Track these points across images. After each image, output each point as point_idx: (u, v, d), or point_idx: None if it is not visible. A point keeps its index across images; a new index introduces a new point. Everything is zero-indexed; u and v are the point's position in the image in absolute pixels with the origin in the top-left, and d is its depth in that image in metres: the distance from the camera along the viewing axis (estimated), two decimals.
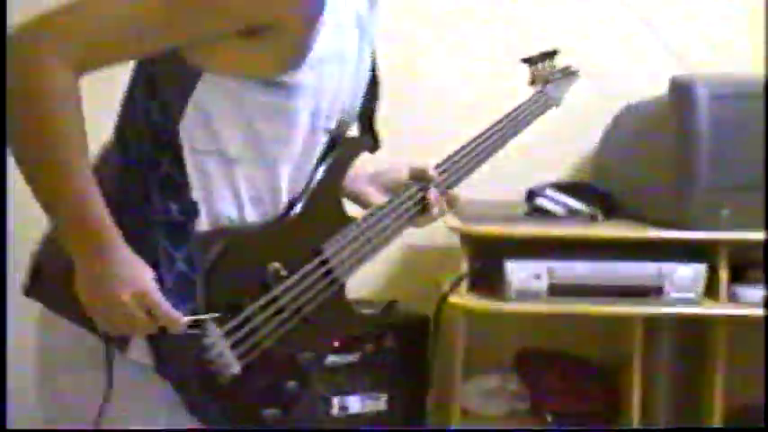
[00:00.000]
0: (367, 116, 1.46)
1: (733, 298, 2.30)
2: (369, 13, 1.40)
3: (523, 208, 2.49)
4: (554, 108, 1.82)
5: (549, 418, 2.39)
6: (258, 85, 1.22)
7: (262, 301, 1.25)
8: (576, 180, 2.70)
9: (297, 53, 1.23)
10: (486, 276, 2.39)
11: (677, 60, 2.59)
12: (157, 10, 1.19)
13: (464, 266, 2.35)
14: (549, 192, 2.47)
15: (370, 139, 1.45)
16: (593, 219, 2.41)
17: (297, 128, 1.27)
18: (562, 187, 2.52)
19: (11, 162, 1.20)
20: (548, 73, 1.86)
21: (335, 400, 2.32)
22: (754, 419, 2.39)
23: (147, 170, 1.21)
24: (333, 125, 1.34)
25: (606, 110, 2.67)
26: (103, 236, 1.17)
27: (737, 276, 2.33)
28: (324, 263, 1.31)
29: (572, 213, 2.41)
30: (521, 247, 2.34)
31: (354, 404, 2.34)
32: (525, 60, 1.87)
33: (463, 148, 1.58)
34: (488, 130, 1.64)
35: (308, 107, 1.28)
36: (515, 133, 1.69)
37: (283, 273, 1.26)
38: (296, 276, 1.27)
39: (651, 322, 2.45)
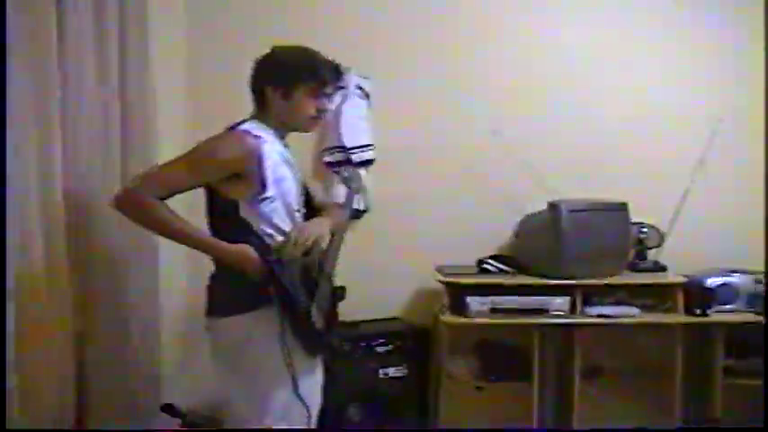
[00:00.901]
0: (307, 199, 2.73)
1: (585, 314, 3.86)
2: (292, 157, 2.60)
3: (475, 269, 3.99)
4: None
5: (492, 377, 3.99)
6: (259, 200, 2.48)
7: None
8: (502, 254, 4.11)
9: (261, 182, 2.46)
10: (458, 305, 3.87)
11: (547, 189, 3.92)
12: (185, 172, 2.41)
13: (446, 300, 3.89)
14: (488, 260, 3.99)
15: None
16: (512, 274, 3.94)
17: (286, 211, 2.54)
18: (495, 257, 4.02)
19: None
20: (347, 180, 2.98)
21: (381, 370, 3.93)
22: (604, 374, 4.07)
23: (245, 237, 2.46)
24: (301, 205, 2.65)
25: (515, 216, 4.08)
26: (205, 242, 2.46)
27: (586, 302, 3.88)
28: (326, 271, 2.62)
29: (501, 271, 3.95)
30: (475, 289, 3.85)
31: (391, 371, 3.92)
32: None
33: None
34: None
35: (284, 201, 2.53)
36: None
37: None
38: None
39: (542, 327, 3.93)
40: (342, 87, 3.91)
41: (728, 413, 4.05)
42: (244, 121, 2.59)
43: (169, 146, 3.64)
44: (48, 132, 2.80)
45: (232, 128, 2.57)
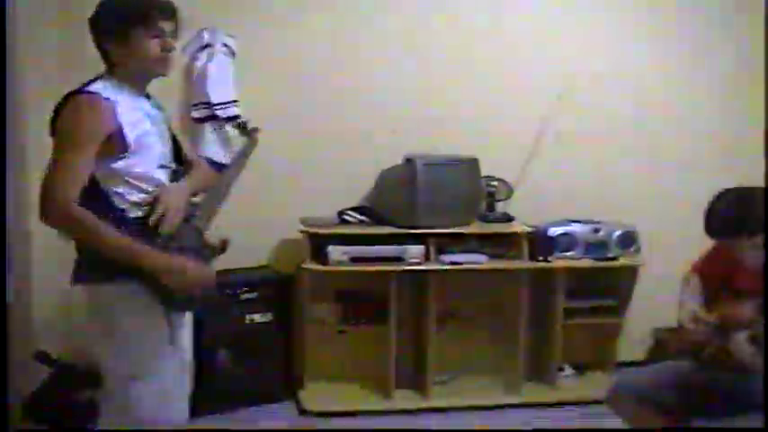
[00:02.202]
0: (178, 154, 2.65)
1: (438, 261, 4.11)
2: (155, 110, 2.56)
3: (336, 220, 4.19)
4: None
5: (352, 321, 4.23)
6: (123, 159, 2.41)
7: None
8: (362, 205, 4.33)
9: (122, 142, 2.40)
10: (319, 254, 4.04)
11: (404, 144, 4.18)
12: (78, 157, 2.33)
13: (307, 249, 4.08)
14: (348, 211, 4.20)
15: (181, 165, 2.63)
16: (369, 224, 4.15)
17: (155, 166, 2.49)
18: (354, 209, 4.23)
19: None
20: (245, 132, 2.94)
21: (247, 316, 4.10)
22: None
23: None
24: (169, 161, 2.56)
25: (377, 169, 4.31)
26: (135, 251, 2.37)
27: (440, 251, 4.12)
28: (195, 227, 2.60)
29: (360, 222, 4.16)
30: (335, 238, 4.04)
31: (256, 317, 4.11)
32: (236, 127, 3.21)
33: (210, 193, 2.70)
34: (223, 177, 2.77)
35: (153, 159, 2.49)
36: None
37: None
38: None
39: (398, 275, 4.12)
40: (208, 45, 4.03)
41: (569, 349, 4.44)
42: (93, 82, 2.51)
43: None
44: None
45: (81, 91, 2.46)
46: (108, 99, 2.42)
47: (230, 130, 4.02)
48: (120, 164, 2.44)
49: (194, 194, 2.70)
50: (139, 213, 2.49)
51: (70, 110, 2.43)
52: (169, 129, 2.69)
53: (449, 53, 4.45)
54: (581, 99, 4.46)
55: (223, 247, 2.75)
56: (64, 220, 2.37)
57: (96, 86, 2.46)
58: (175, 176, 2.62)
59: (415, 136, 4.30)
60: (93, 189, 2.42)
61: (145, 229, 2.47)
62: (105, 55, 2.56)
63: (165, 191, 2.53)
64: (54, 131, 2.47)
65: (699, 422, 3.01)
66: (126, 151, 2.43)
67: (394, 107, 4.36)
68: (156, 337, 2.54)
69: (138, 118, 2.50)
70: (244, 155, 2.91)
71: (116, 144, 2.42)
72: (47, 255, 3.72)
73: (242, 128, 3.04)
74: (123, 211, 2.46)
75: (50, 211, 2.36)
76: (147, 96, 2.66)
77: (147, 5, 2.50)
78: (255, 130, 2.97)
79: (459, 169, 4.20)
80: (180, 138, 2.78)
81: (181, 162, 2.70)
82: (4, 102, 2.46)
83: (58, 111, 2.46)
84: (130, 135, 2.43)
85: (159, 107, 2.69)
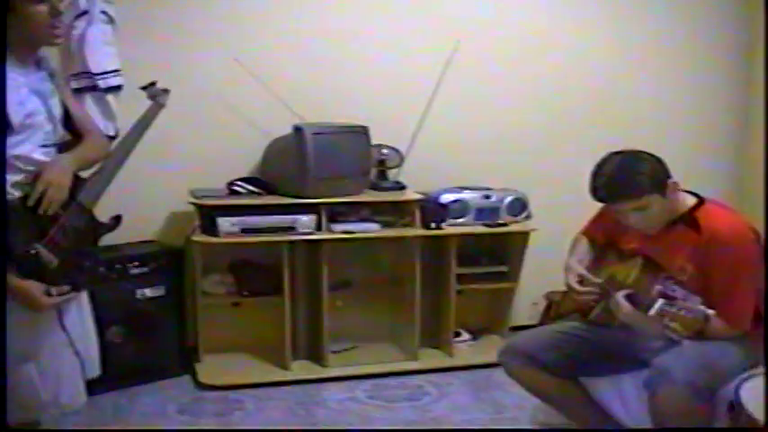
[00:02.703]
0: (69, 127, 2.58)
1: (330, 230, 4.11)
2: (45, 83, 2.48)
3: (225, 191, 4.15)
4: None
5: (246, 293, 4.22)
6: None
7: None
8: (252, 176, 4.27)
9: (7, 123, 2.31)
10: (209, 226, 4.01)
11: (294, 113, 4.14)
12: None
13: (197, 221, 4.03)
14: (238, 182, 4.14)
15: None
16: (260, 195, 4.11)
17: (37, 146, 2.43)
18: (244, 179, 4.17)
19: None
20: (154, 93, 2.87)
21: (138, 291, 4.04)
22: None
23: None
24: (55, 139, 2.51)
25: (268, 139, 4.25)
26: None
27: (332, 220, 4.12)
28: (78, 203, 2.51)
29: (250, 192, 4.11)
30: (226, 210, 3.99)
31: (147, 292, 4.06)
32: (143, 88, 2.89)
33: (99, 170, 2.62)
34: (119, 146, 2.72)
35: (36, 139, 2.44)
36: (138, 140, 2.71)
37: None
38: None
39: (291, 245, 4.10)
40: (85, 12, 3.90)
41: (464, 314, 4.53)
42: None
43: None
44: None
45: None
46: None
47: (112, 100, 3.92)
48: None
49: (83, 167, 2.64)
50: (21, 193, 2.43)
51: None
52: (61, 97, 2.61)
53: (338, 20, 4.43)
54: (473, 66, 4.53)
55: (114, 224, 2.72)
56: None
57: None
58: (64, 149, 2.57)
59: (305, 105, 4.25)
60: None
61: (26, 209, 2.43)
62: None
63: (46, 169, 2.46)
64: None
65: (585, 381, 3.12)
66: (8, 133, 2.37)
67: (283, 76, 4.31)
68: (42, 318, 2.51)
69: (24, 95, 2.43)
70: (146, 121, 2.84)
71: None
72: None
73: (148, 89, 2.94)
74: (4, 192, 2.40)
75: None
76: (39, 63, 2.57)
77: None
78: (166, 91, 2.93)
79: (349, 137, 4.20)
80: (73, 104, 2.72)
81: (74, 133, 2.65)
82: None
83: None
84: (14, 117, 2.37)
85: (52, 74, 2.61)
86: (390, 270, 4.52)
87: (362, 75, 4.47)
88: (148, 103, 2.91)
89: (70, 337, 2.62)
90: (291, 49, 4.38)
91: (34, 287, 2.42)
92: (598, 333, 3.02)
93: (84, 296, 2.74)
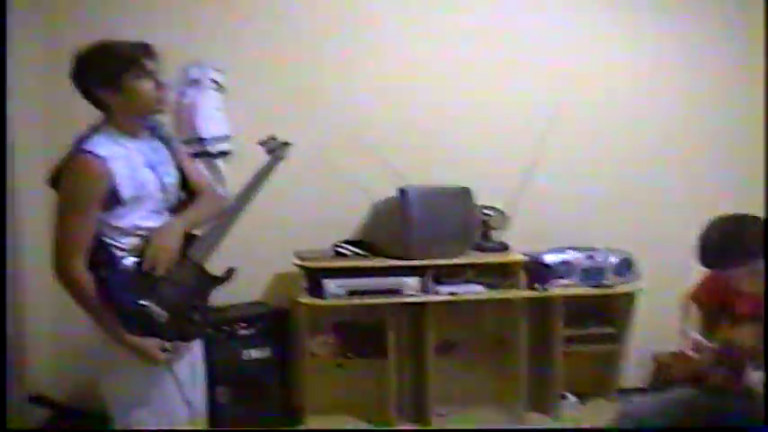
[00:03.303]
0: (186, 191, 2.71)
1: (435, 292, 4.08)
2: (158, 152, 2.61)
3: (331, 253, 4.19)
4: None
5: (350, 354, 4.22)
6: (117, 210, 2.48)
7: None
8: (356, 238, 4.34)
9: (115, 199, 2.46)
10: (315, 288, 4.05)
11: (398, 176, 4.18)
12: (78, 219, 2.42)
13: (303, 282, 4.08)
14: (343, 244, 4.19)
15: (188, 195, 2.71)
16: (365, 257, 4.13)
17: (148, 214, 2.55)
18: (349, 241, 4.23)
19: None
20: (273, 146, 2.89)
21: (245, 352, 4.09)
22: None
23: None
24: (166, 204, 2.63)
25: (368, 203, 4.33)
26: (111, 330, 2.47)
27: (437, 281, 4.11)
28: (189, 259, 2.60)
29: (355, 254, 4.15)
30: (331, 272, 4.04)
31: (254, 353, 4.09)
32: (261, 143, 2.89)
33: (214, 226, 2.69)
34: (234, 202, 2.75)
35: (146, 207, 2.55)
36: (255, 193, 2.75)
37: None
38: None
39: (396, 306, 4.12)
40: (196, 81, 4.04)
41: (570, 377, 4.39)
42: (91, 133, 2.56)
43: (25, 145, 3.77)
44: None
45: (79, 148, 2.51)
46: (105, 159, 2.46)
47: (221, 165, 4.03)
48: (114, 216, 2.51)
49: (193, 228, 2.71)
50: (134, 258, 2.54)
51: (70, 172, 2.48)
52: (176, 161, 2.72)
53: (439, 84, 4.47)
54: (574, 125, 4.49)
55: (227, 276, 2.76)
56: (65, 285, 2.48)
57: (93, 143, 2.49)
58: (177, 210, 2.69)
59: (409, 167, 4.28)
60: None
61: (141, 272, 2.53)
62: (97, 103, 2.58)
63: (156, 234, 2.57)
64: (55, 185, 2.54)
65: None
66: (120, 205, 2.50)
67: (386, 138, 4.36)
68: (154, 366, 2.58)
69: (135, 168, 2.54)
70: (262, 175, 2.86)
71: (111, 200, 2.49)
72: (41, 298, 3.73)
73: (266, 144, 2.95)
74: (118, 256, 2.53)
75: (56, 272, 2.48)
76: (153, 130, 2.69)
77: (130, 49, 2.54)
78: (286, 144, 2.95)
79: (453, 199, 4.20)
80: (188, 165, 2.81)
81: (189, 191, 2.75)
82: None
83: (60, 167, 2.52)
84: (125, 191, 2.49)
85: (166, 139, 2.72)
86: (495, 332, 4.47)
87: (465, 136, 4.49)
88: (252, 169, 2.92)
89: (180, 385, 2.66)
90: (395, 113, 4.43)
91: (151, 344, 2.52)
92: (715, 401, 2.92)
93: (197, 347, 2.82)
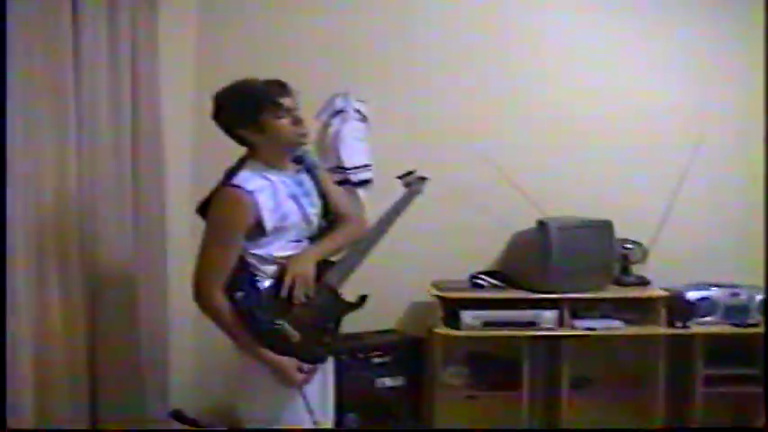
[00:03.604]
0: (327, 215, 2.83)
1: (572, 326, 4.05)
2: (303, 183, 2.73)
3: (468, 284, 4.16)
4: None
5: (483, 386, 4.16)
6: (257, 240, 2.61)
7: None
8: (493, 269, 4.32)
9: (260, 230, 2.59)
10: (451, 318, 4.06)
11: (536, 207, 4.18)
12: (222, 251, 2.57)
13: (440, 313, 4.08)
14: (480, 275, 4.17)
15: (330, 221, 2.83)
16: (502, 288, 4.13)
17: (288, 242, 2.67)
18: (486, 273, 4.20)
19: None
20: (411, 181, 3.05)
21: (378, 380, 4.11)
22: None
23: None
24: (307, 233, 2.74)
25: (506, 234, 4.35)
26: (252, 348, 2.60)
27: (574, 315, 4.07)
28: (326, 284, 2.71)
29: (492, 285, 4.12)
30: (468, 303, 4.04)
31: (387, 381, 4.10)
32: (400, 177, 3.06)
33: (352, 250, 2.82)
34: (370, 232, 2.86)
35: (288, 237, 2.66)
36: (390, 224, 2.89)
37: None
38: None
39: (531, 339, 4.09)
40: (341, 111, 4.10)
41: (709, 420, 4.23)
42: (239, 167, 2.69)
43: (176, 171, 3.92)
44: (63, 155, 3.07)
45: (227, 181, 2.65)
46: (251, 192, 2.59)
47: (362, 193, 4.06)
48: (256, 245, 2.65)
49: (330, 256, 2.81)
50: (271, 282, 2.66)
51: (219, 203, 2.63)
52: (319, 186, 2.83)
53: (580, 115, 4.42)
54: (716, 157, 4.38)
55: (360, 303, 2.84)
56: (205, 310, 2.63)
57: (240, 177, 2.63)
58: (317, 237, 2.80)
59: (547, 198, 4.25)
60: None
61: (278, 297, 2.64)
62: (241, 140, 2.72)
63: (292, 262, 2.67)
64: (203, 214, 2.69)
65: None
66: (263, 236, 2.63)
67: (526, 169, 4.33)
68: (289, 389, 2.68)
69: (279, 200, 2.65)
70: (399, 208, 2.99)
71: (255, 231, 2.63)
72: (183, 316, 3.83)
73: (404, 178, 3.09)
74: (257, 280, 2.66)
75: (196, 298, 2.64)
76: (299, 160, 2.80)
77: (265, 90, 2.67)
78: (423, 179, 3.08)
79: (592, 232, 4.14)
80: (332, 192, 2.91)
81: (330, 218, 2.86)
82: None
83: (209, 198, 2.69)
84: (269, 223, 2.61)
85: (311, 167, 2.84)
86: (632, 369, 4.36)
87: (604, 168, 4.42)
88: (391, 197, 3.02)
89: (310, 406, 2.72)
90: (535, 144, 4.40)
91: (287, 362, 2.63)
92: None
93: (329, 374, 2.90)
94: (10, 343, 2.81)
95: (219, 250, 2.60)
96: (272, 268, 2.68)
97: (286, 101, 2.69)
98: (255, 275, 2.66)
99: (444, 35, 4.41)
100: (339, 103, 4.13)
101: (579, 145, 4.42)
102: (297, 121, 2.70)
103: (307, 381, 2.68)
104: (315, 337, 2.72)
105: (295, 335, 2.63)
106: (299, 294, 2.65)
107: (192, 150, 4.27)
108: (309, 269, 2.70)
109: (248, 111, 2.64)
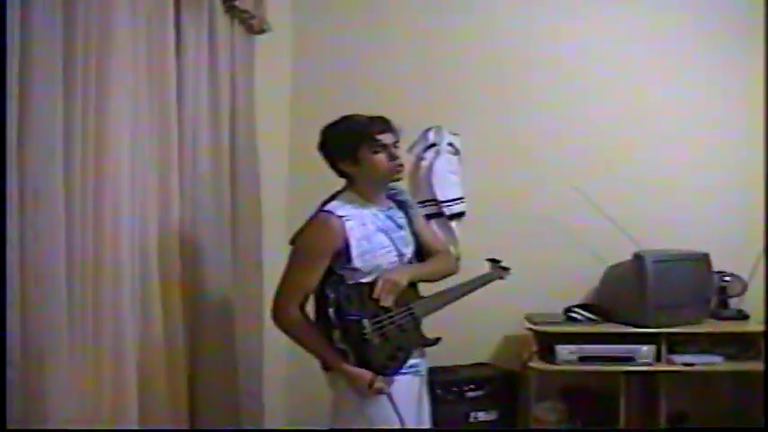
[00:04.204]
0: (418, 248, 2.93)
1: (670, 362, 3.96)
2: (395, 218, 2.83)
3: (563, 317, 4.15)
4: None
5: (579, 422, 4.09)
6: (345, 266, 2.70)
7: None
8: (588, 302, 4.27)
9: (347, 256, 2.69)
10: (546, 352, 4.03)
11: (632, 239, 4.14)
12: (304, 272, 2.70)
13: (535, 347, 4.05)
14: (574, 308, 4.14)
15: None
16: (597, 322, 4.09)
17: (372, 274, 2.73)
18: (581, 306, 4.16)
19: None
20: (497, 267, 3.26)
21: (472, 414, 4.11)
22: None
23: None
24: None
25: (600, 267, 4.27)
26: (329, 358, 2.72)
27: (670, 350, 3.98)
28: (410, 308, 2.79)
29: (587, 319, 4.09)
30: (563, 337, 4.00)
31: (481, 416, 4.10)
32: (489, 260, 3.30)
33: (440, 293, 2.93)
34: (458, 287, 3.00)
35: (369, 267, 2.72)
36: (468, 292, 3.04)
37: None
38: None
39: (628, 374, 4.01)
40: (434, 145, 4.14)
41: None
42: (333, 197, 2.83)
43: (272, 192, 4.02)
44: (167, 185, 3.13)
45: (321, 208, 2.79)
46: (340, 217, 2.70)
47: (455, 226, 4.09)
48: (341, 271, 2.73)
49: (422, 279, 2.91)
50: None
51: (308, 226, 2.77)
52: (413, 225, 2.92)
53: (676, 148, 4.38)
54: None
55: (433, 342, 2.92)
56: (280, 324, 2.76)
57: (333, 205, 2.77)
58: None
59: (642, 230, 4.19)
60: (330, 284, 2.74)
61: (369, 294, 2.72)
62: (340, 172, 2.84)
63: (390, 270, 2.78)
64: (294, 240, 2.80)
65: None
66: (349, 263, 2.71)
67: (620, 201, 4.30)
68: (380, 410, 2.72)
69: (369, 232, 2.75)
70: (483, 281, 3.18)
71: (342, 256, 2.72)
72: (276, 343, 3.88)
73: (492, 263, 3.29)
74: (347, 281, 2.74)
75: (274, 317, 2.77)
76: (394, 197, 2.91)
77: (364, 126, 2.78)
78: (506, 269, 3.30)
79: (689, 265, 4.07)
80: (425, 232, 3.02)
81: (423, 258, 2.97)
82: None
83: (303, 228, 2.81)
84: (356, 249, 2.70)
85: (405, 205, 2.93)
86: (731, 405, 4.25)
87: (700, 201, 4.35)
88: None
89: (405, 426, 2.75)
90: (627, 176, 4.37)
91: (365, 374, 2.67)
92: None
93: (425, 409, 2.98)
94: None
95: (301, 270, 2.73)
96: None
97: (386, 137, 2.78)
98: (344, 277, 2.74)
99: (540, 70, 4.43)
100: (432, 137, 4.16)
101: (675, 177, 4.37)
102: (392, 158, 2.79)
103: (383, 390, 2.70)
104: (388, 351, 2.75)
105: (373, 338, 2.68)
106: (387, 298, 2.72)
107: (287, 182, 4.37)
108: (402, 279, 2.79)
109: (347, 144, 2.77)
